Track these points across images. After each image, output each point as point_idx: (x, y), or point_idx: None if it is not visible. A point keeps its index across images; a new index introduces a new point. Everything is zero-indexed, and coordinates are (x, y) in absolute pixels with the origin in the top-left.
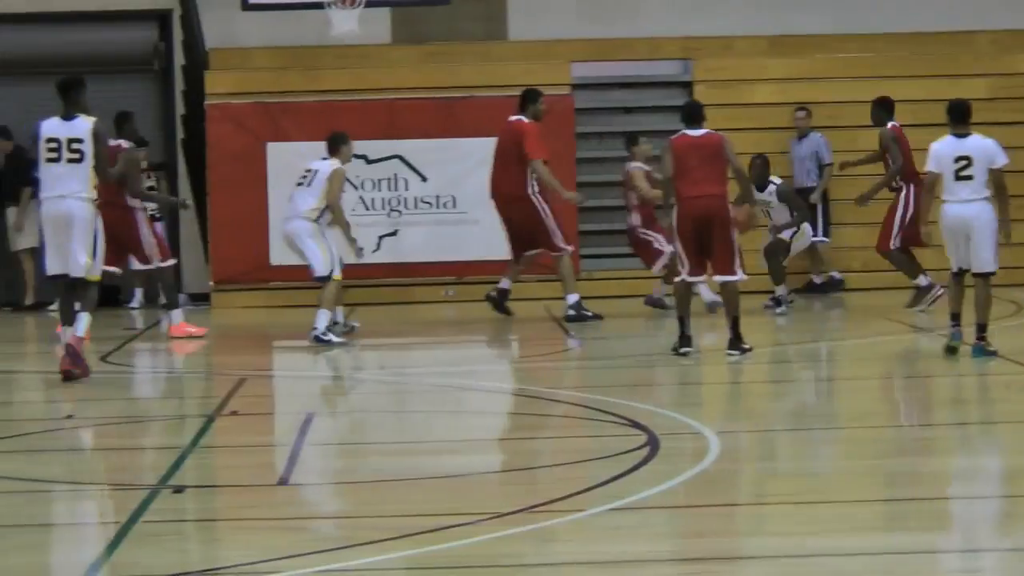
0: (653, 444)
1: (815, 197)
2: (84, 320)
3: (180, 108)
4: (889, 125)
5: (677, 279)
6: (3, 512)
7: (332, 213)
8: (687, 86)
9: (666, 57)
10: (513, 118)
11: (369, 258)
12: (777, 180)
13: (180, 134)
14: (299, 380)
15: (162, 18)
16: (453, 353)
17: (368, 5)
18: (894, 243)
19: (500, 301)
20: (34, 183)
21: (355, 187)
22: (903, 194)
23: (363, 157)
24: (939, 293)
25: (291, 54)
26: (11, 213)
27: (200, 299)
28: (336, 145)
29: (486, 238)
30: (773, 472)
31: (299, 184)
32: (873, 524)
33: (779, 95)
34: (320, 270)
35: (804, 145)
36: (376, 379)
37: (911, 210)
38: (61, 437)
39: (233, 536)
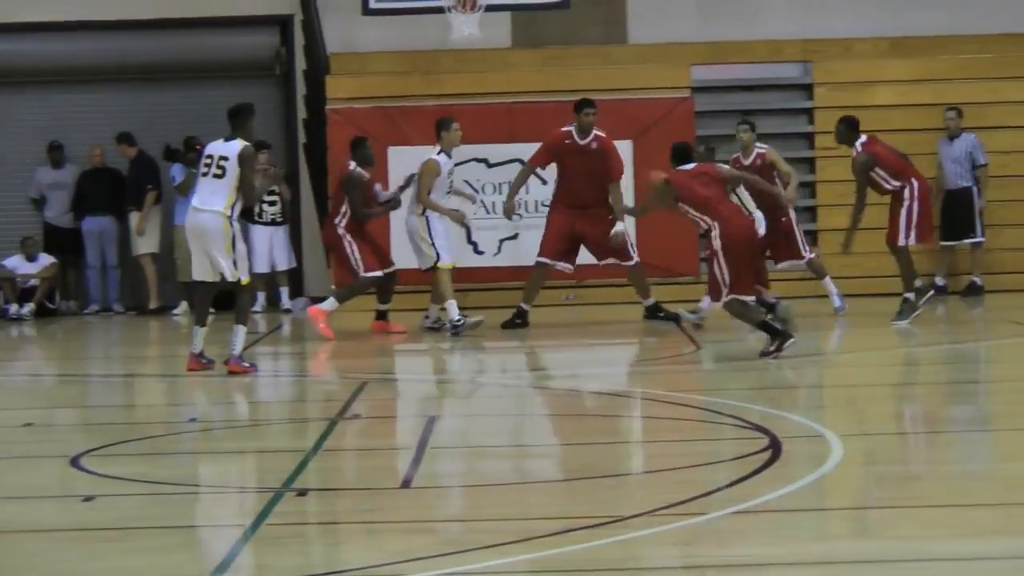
0: (775, 447)
1: (981, 203)
2: (239, 335)
3: (301, 113)
4: (859, 147)
5: (726, 299)
6: (129, 514)
7: (422, 205)
8: (807, 88)
9: (786, 60)
10: None
11: (490, 261)
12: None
13: (302, 139)
14: (421, 383)
15: (283, 23)
16: (574, 356)
17: (488, 9)
18: (905, 239)
19: (656, 313)
20: (158, 188)
21: (475, 191)
22: (905, 191)
23: (484, 161)
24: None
25: (411, 58)
26: (134, 218)
27: (322, 302)
28: (437, 131)
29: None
30: (896, 476)
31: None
32: (996, 528)
33: (899, 97)
34: (423, 265)
35: (956, 146)
36: (497, 382)
37: (916, 204)
38: (185, 440)
39: (356, 539)
